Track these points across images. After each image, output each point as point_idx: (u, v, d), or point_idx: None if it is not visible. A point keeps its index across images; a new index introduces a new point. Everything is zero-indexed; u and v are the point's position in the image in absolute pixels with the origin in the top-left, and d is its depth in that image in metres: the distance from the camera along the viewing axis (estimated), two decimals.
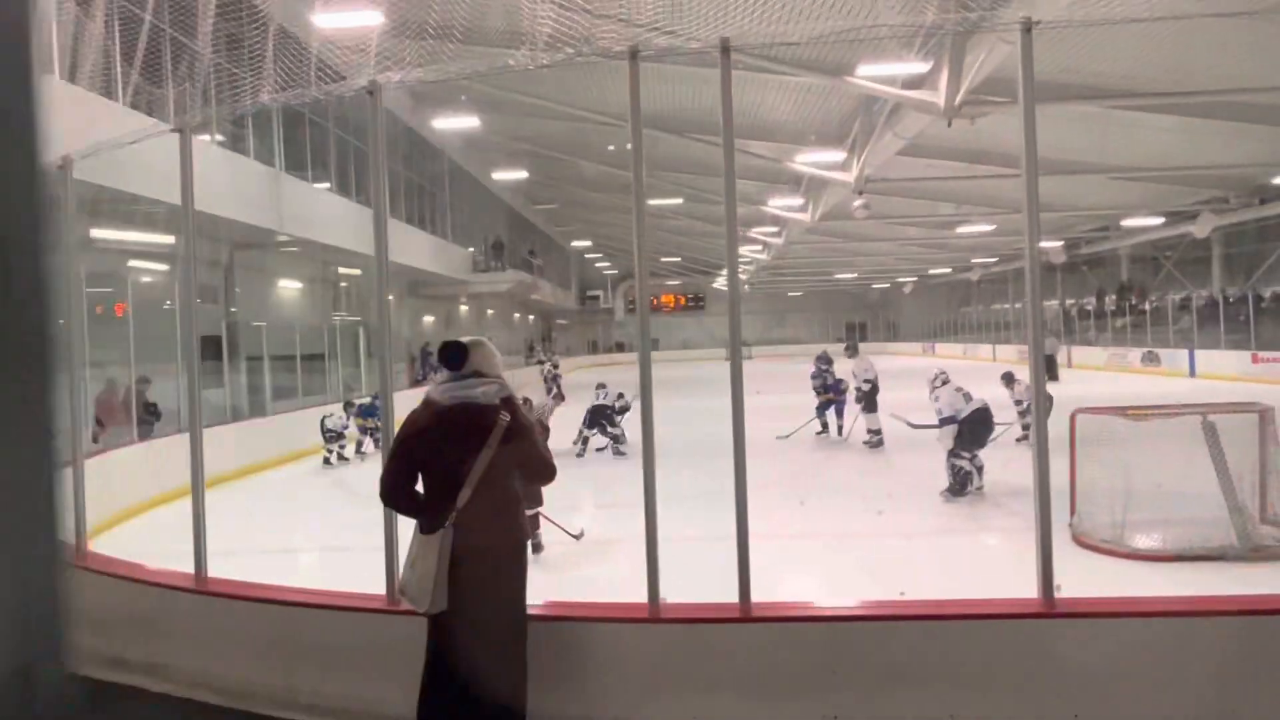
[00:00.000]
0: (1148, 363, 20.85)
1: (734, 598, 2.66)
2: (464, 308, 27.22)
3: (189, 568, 3.45)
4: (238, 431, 11.36)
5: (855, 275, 38.18)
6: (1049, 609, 2.54)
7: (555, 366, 20.26)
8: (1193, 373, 19.51)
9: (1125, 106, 12.65)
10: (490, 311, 29.82)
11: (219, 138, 12.36)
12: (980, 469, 7.30)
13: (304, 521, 8.01)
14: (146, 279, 11.76)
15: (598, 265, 41.27)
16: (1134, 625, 2.52)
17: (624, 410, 10.00)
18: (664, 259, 39.07)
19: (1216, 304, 20.44)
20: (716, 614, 2.68)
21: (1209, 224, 18.80)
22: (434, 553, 2.34)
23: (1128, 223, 21.49)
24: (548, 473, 2.53)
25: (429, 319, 24.43)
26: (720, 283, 41.92)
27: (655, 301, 46.21)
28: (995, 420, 8.03)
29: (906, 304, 43.38)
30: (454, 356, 2.50)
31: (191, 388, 3.60)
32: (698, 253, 34.39)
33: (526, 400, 2.96)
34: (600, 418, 10.14)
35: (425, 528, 2.43)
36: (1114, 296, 26.52)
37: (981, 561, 5.53)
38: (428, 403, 2.51)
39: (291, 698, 2.94)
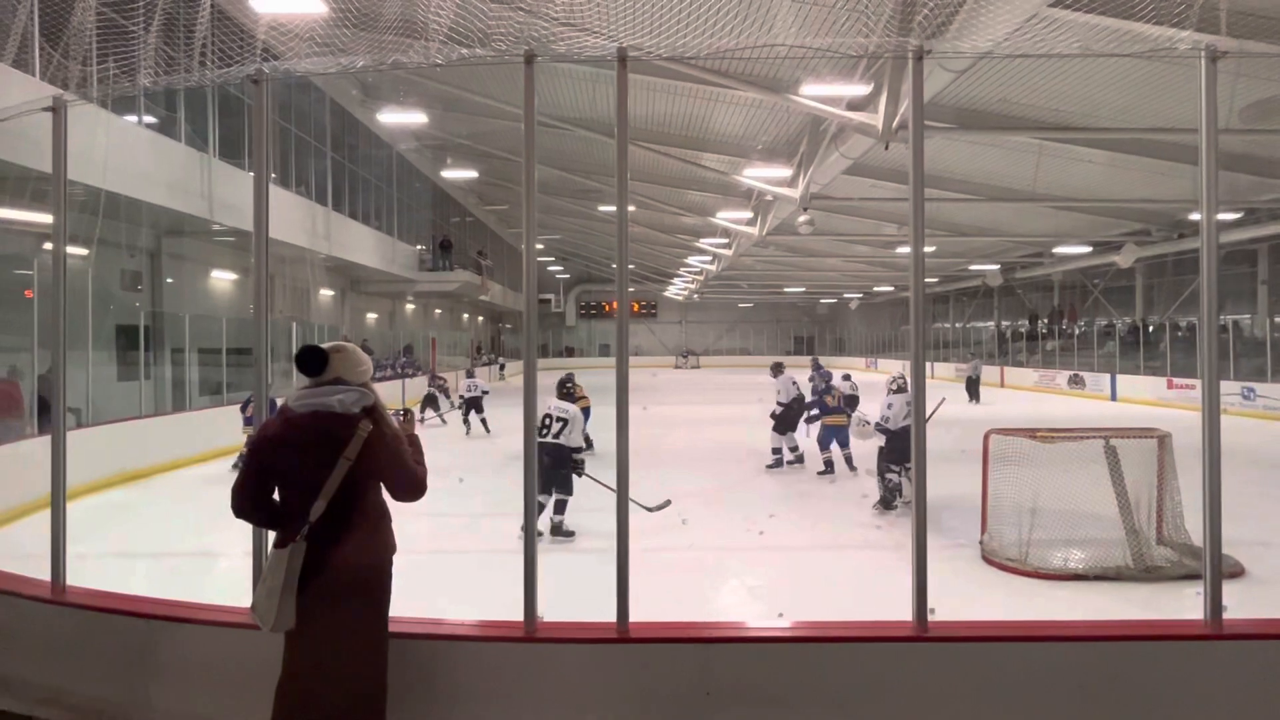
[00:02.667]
0: (1073, 385, 21.70)
1: (613, 616, 2.61)
2: (410, 306, 26.70)
3: (82, 573, 3.22)
4: (157, 426, 10.87)
5: (804, 289, 38.82)
6: (921, 633, 2.55)
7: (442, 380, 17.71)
8: (1114, 396, 20.39)
9: (1058, 139, 13.17)
10: (438, 311, 29.34)
11: (148, 119, 11.85)
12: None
13: (208, 524, 7.64)
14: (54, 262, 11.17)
15: (550, 269, 41.01)
16: (1002, 649, 2.55)
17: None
18: (615, 265, 39.00)
19: (1137, 331, 21.44)
20: (593, 634, 2.61)
21: (1132, 255, 19.71)
22: (283, 568, 2.22)
23: (1059, 250, 22.38)
24: (415, 488, 2.39)
25: (372, 316, 23.87)
26: (672, 291, 42.13)
27: (607, 307, 46.16)
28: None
29: (853, 319, 44.32)
30: (311, 362, 2.37)
31: (56, 379, 3.37)
32: (650, 260, 34.50)
33: (407, 411, 2.84)
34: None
35: (278, 541, 2.31)
36: (1045, 320, 27.58)
37: (868, 580, 5.58)
38: (282, 410, 2.38)
39: (147, 716, 2.76)
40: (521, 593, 2.66)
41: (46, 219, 9.83)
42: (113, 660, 2.96)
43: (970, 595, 4.96)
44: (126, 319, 12.06)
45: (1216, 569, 2.56)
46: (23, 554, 5.39)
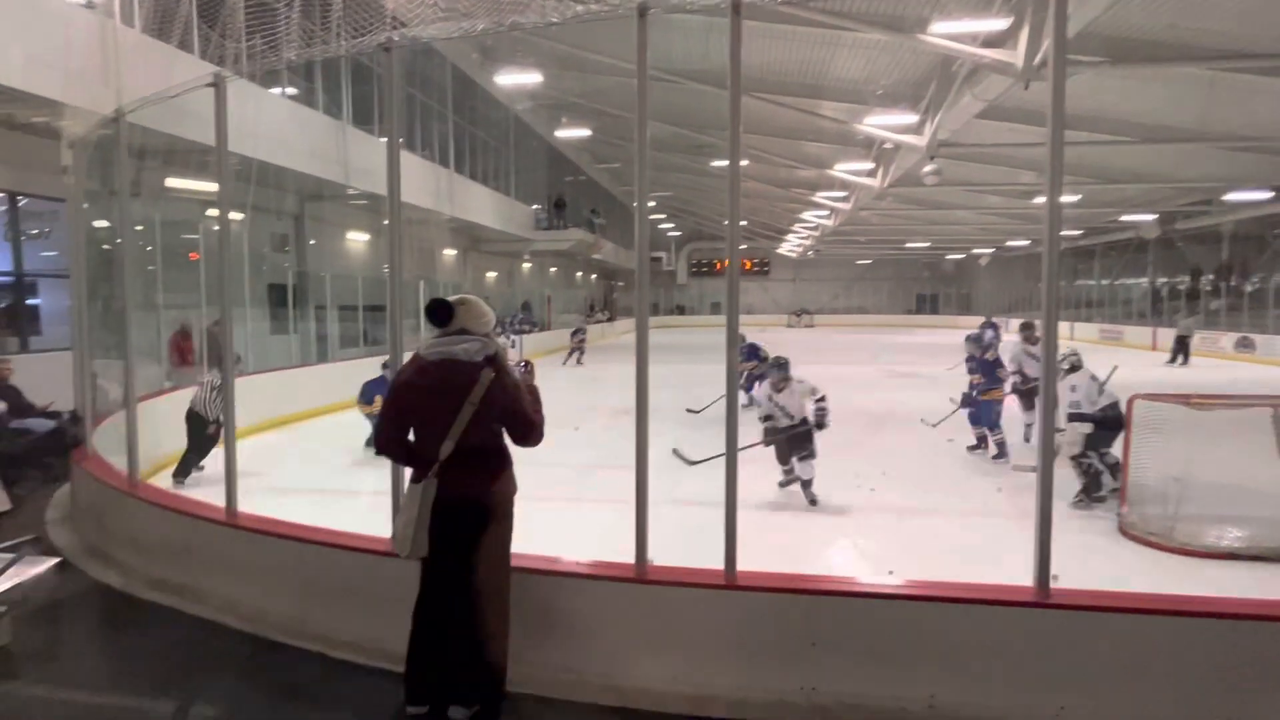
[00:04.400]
0: (1241, 349, 19.44)
1: (720, 564, 2.67)
2: (526, 265, 27.59)
3: (248, 502, 3.68)
4: (303, 375, 11.95)
5: (928, 244, 36.69)
6: (1043, 598, 2.45)
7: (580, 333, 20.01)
8: None
9: (1234, 69, 11.56)
10: (553, 270, 30.15)
11: (290, 91, 12.75)
12: (1114, 467, 6.22)
13: (350, 464, 8.35)
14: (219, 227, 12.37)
15: (661, 226, 40.94)
16: (1128, 621, 2.40)
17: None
18: (727, 222, 38.40)
19: None
20: (702, 579, 2.69)
21: None
22: (416, 502, 2.45)
23: (1231, 197, 19.83)
24: (533, 434, 2.56)
25: (492, 275, 24.87)
26: (785, 248, 41.04)
27: (719, 265, 45.67)
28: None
29: (981, 276, 41.51)
30: (439, 313, 2.55)
31: (225, 334, 3.78)
32: (763, 216, 33.67)
33: (528, 364, 2.99)
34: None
35: (414, 477, 2.54)
36: (1211, 276, 24.70)
37: (986, 546, 5.32)
38: (415, 358, 2.58)
39: (302, 628, 3.13)
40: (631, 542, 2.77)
41: (209, 187, 10.91)
42: (275, 578, 3.37)
43: (1101, 570, 4.66)
44: (276, 278, 13.23)
45: None
46: (200, 484, 6.15)
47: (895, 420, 10.71)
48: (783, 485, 6.60)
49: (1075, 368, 6.53)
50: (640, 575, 2.73)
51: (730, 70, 2.61)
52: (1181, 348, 18.64)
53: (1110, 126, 14.69)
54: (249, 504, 3.73)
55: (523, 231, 23.03)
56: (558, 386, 12.33)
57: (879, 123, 15.06)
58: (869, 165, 19.57)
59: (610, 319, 34.80)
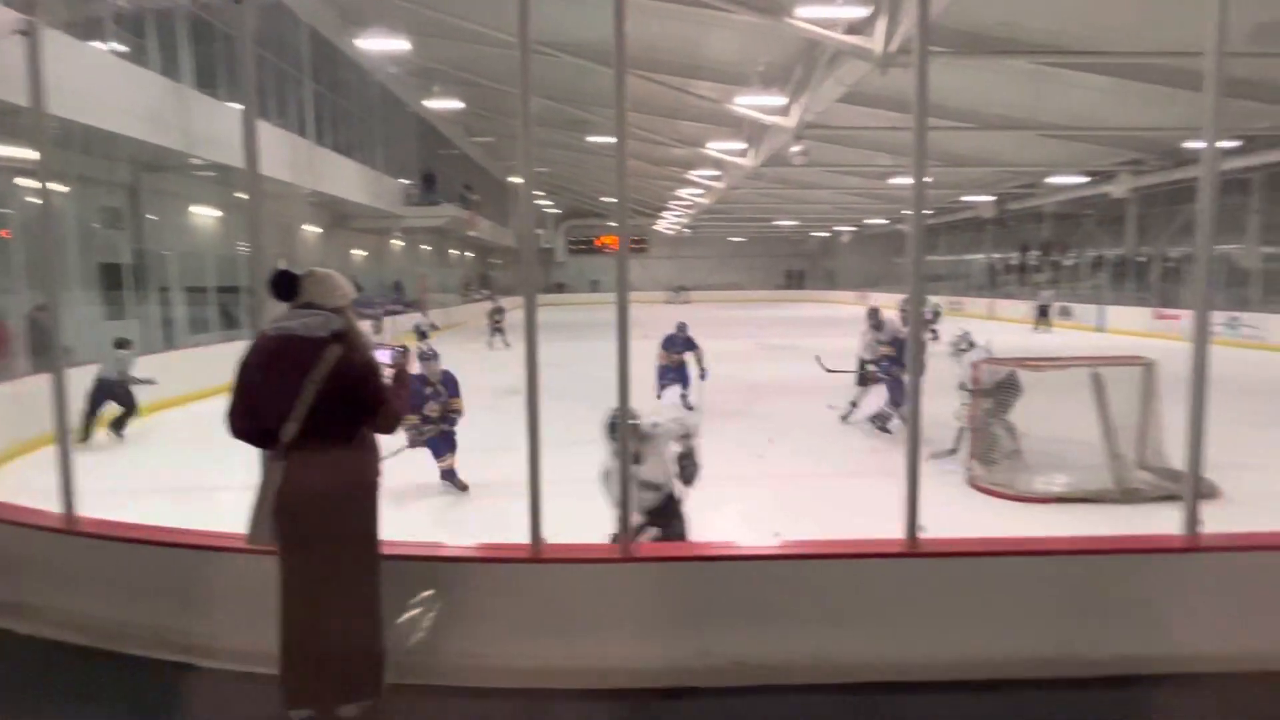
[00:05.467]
0: (1062, 317, 21.86)
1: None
2: (397, 243, 26.34)
3: (89, 506, 3.29)
4: (145, 365, 10.84)
5: (796, 223, 38.45)
6: (912, 549, 2.66)
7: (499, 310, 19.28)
8: (1102, 327, 20.59)
9: (1057, 64, 12.86)
10: (426, 248, 28.96)
11: (116, 46, 11.36)
12: (1011, 430, 6.50)
13: (202, 460, 7.72)
14: (37, 200, 10.93)
15: (539, 203, 40.32)
16: (990, 564, 2.67)
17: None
18: (605, 199, 38.48)
19: (1127, 263, 21.49)
20: (597, 555, 2.72)
21: (1126, 185, 19.56)
22: (264, 485, 2.31)
23: (1053, 180, 22.15)
24: (387, 418, 2.43)
25: (360, 253, 23.55)
26: (662, 225, 41.64)
27: (597, 242, 45.66)
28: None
29: (844, 252, 44.08)
30: (281, 287, 2.38)
31: (53, 318, 3.35)
32: (640, 194, 33.96)
33: (404, 348, 2.85)
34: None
35: (269, 459, 2.38)
36: (1036, 252, 27.55)
37: (861, 502, 5.74)
38: (257, 335, 2.42)
39: (163, 639, 2.87)
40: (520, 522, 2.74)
41: (23, 154, 9.59)
42: (128, 587, 3.06)
43: (957, 518, 5.13)
44: (109, 257, 11.87)
45: (1195, 484, 2.67)
46: (26, 489, 5.46)
47: (773, 390, 11.24)
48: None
49: (972, 345, 7.21)
50: (535, 555, 2.71)
51: (615, 40, 2.58)
52: (1043, 315, 20.99)
53: (955, 114, 15.95)
54: (90, 508, 3.35)
55: (392, 207, 21.91)
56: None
57: (750, 103, 15.51)
58: (741, 145, 20.16)
59: (489, 297, 33.84)
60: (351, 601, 2.41)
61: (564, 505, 2.84)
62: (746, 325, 24.96)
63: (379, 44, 15.68)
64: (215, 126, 12.21)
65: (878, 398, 8.29)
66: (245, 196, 2.86)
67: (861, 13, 10.11)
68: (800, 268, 47.06)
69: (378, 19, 15.10)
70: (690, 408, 9.00)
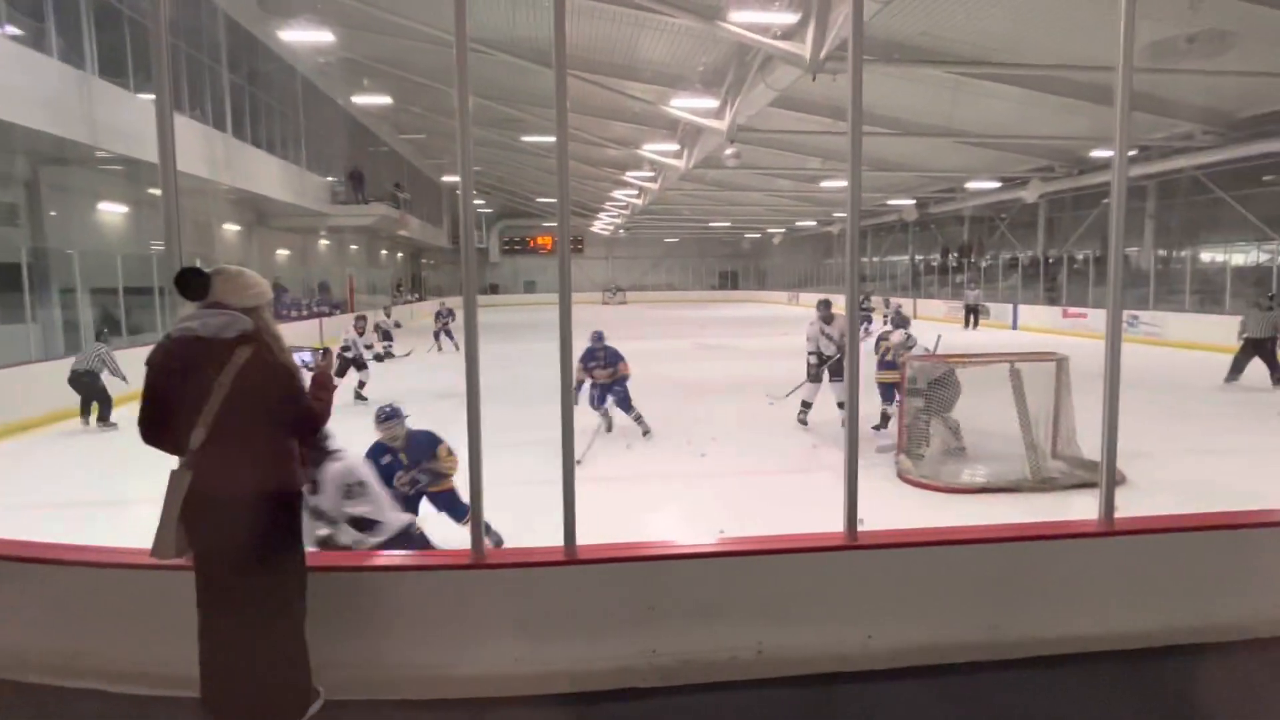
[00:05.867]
0: (982, 316, 22.93)
1: (560, 541, 2.68)
2: (323, 242, 25.44)
3: None
4: (48, 371, 10.12)
5: (729, 224, 39.05)
6: (851, 541, 2.74)
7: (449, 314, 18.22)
8: (1015, 325, 21.70)
9: (974, 75, 13.48)
10: (354, 247, 28.07)
11: (11, 30, 10.58)
12: (955, 430, 6.74)
13: (119, 471, 7.28)
14: None
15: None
16: (923, 553, 2.78)
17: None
18: (540, 199, 38.19)
19: (1038, 264, 22.74)
20: (542, 558, 2.68)
21: (1037, 190, 20.68)
22: (169, 494, 2.19)
23: (971, 185, 23.22)
24: (304, 423, 2.33)
25: (283, 253, 22.64)
26: (598, 226, 41.59)
27: (532, 242, 45.26)
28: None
29: (776, 253, 45.05)
30: (187, 285, 2.25)
31: None
32: (576, 194, 33.80)
33: (325, 350, 2.75)
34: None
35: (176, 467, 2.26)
36: (955, 254, 28.83)
37: (804, 497, 5.90)
38: (165, 337, 2.29)
39: (71, 665, 2.68)
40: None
41: None
42: (27, 612, 2.84)
43: (888, 510, 5.32)
44: (4, 257, 11.04)
45: (1111, 474, 2.84)
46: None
47: (713, 389, 11.38)
48: None
49: (913, 345, 7.42)
50: (478, 561, 2.65)
51: (555, 40, 2.56)
52: (972, 315, 22.00)
53: (878, 120, 16.53)
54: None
55: (318, 205, 21.15)
56: (375, 371, 11.58)
57: (684, 105, 15.66)
58: (675, 147, 20.34)
59: (419, 299, 33.24)
60: (270, 618, 2.30)
61: (505, 510, 2.80)
62: (683, 325, 25.21)
63: (302, 35, 15.10)
64: (123, 117, 11.51)
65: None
66: (159, 192, 2.71)
67: (792, 19, 10.35)
68: (734, 268, 47.84)
69: (301, 9, 14.55)
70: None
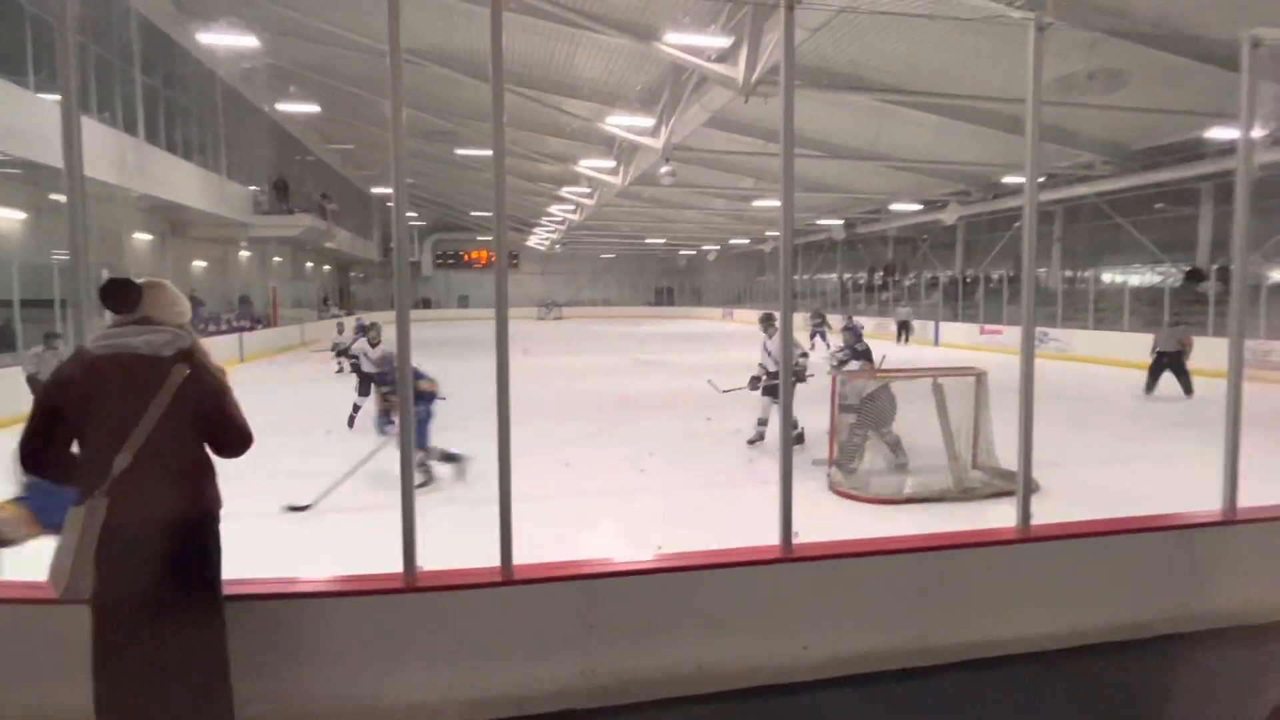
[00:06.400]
0: (901, 331, 23.86)
1: (496, 561, 2.62)
2: (244, 253, 24.39)
3: None
4: None
5: (665, 240, 39.49)
6: (787, 554, 2.78)
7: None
8: (937, 341, 22.66)
9: (896, 102, 14.12)
10: (277, 259, 27.03)
11: None
12: (895, 445, 6.87)
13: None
14: None
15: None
16: (855, 564, 2.84)
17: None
18: (475, 213, 37.74)
19: (957, 283, 23.87)
20: (477, 579, 2.62)
21: (955, 213, 21.76)
22: (79, 528, 2.01)
23: (895, 207, 24.23)
24: (242, 441, 2.22)
25: (200, 264, 21.58)
26: (534, 241, 41.36)
27: (467, 256, 44.63)
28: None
29: (710, 270, 45.78)
30: (119, 297, 2.12)
31: None
32: (512, 209, 33.56)
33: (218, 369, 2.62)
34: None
35: (77, 499, 2.08)
36: (881, 273, 29.97)
37: (740, 511, 5.96)
38: (79, 353, 2.14)
39: None
40: (387, 550, 2.59)
41: None
42: None
43: (823, 522, 5.43)
44: None
45: (1027, 485, 2.98)
46: None
47: (650, 404, 11.40)
48: None
49: (844, 362, 7.56)
50: (410, 584, 2.56)
51: (492, 54, 2.54)
52: (903, 330, 22.78)
53: (808, 143, 17.09)
54: None
55: (239, 215, 20.28)
56: (298, 390, 11.14)
57: (620, 123, 15.80)
58: (611, 164, 20.47)
59: (348, 313, 32.12)
60: (191, 651, 2.15)
61: (439, 527, 2.72)
62: (620, 341, 25.25)
63: (223, 39, 14.52)
64: (21, 118, 10.80)
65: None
66: (63, 199, 2.54)
67: (725, 43, 10.61)
68: (669, 284, 48.32)
69: (221, 12, 14.00)
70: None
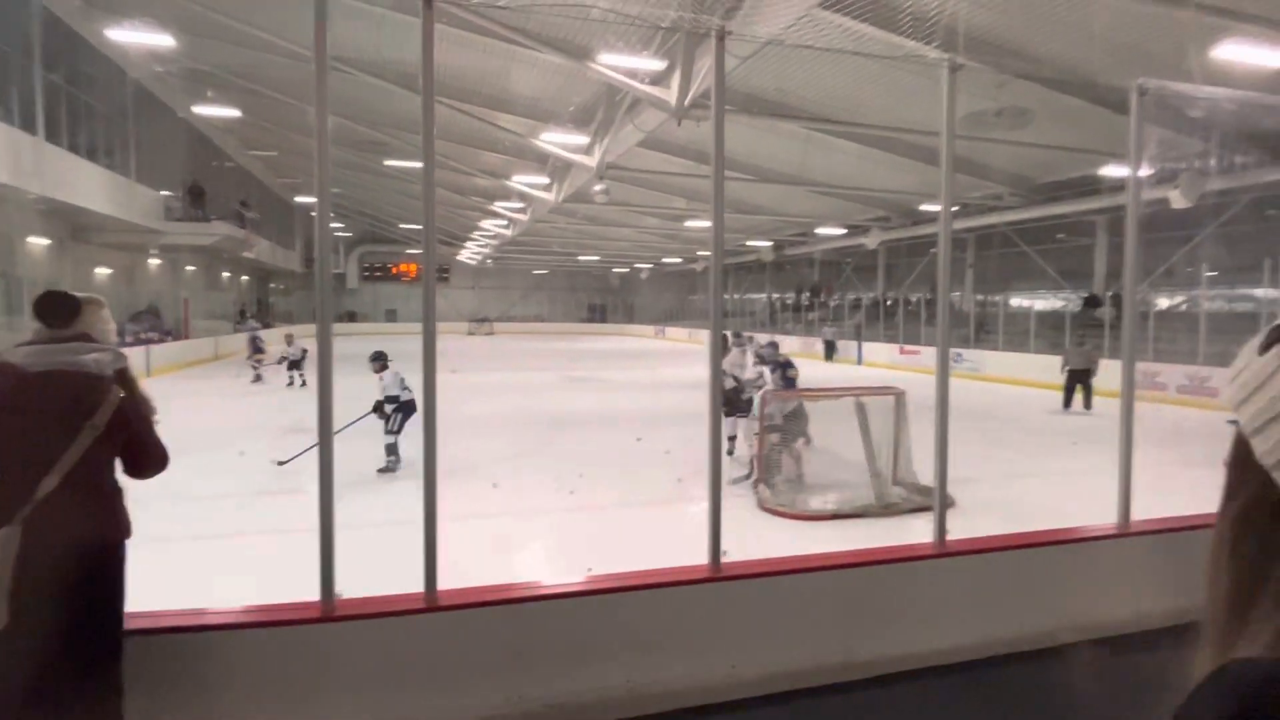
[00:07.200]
0: (829, 351, 24.62)
1: (420, 587, 2.54)
2: (154, 261, 23.07)
3: None
4: None
5: (598, 258, 39.58)
6: (715, 573, 2.80)
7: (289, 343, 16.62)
8: (860, 360, 23.46)
9: (821, 129, 14.66)
10: (190, 269, 25.68)
11: None
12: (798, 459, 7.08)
13: None
14: None
15: (330, 226, 37.50)
16: (782, 581, 2.89)
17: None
18: (404, 225, 36.94)
19: (878, 304, 24.85)
20: (400, 606, 2.52)
21: (877, 238, 22.70)
22: None
23: (820, 230, 25.07)
24: (162, 462, 2.15)
25: (104, 271, 20.28)
26: (465, 255, 40.75)
27: (395, 269, 43.59)
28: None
29: (643, 288, 46.12)
30: (58, 310, 2.01)
31: None
32: (443, 222, 33.00)
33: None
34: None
35: None
36: (807, 294, 30.91)
37: (671, 531, 5.98)
38: (3, 368, 1.98)
39: None
40: (303, 575, 2.48)
41: None
42: None
43: (751, 540, 5.50)
44: None
45: (943, 502, 3.10)
46: None
47: (580, 422, 11.33)
48: None
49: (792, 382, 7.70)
50: (328, 613, 2.45)
51: (423, 66, 2.50)
52: (829, 350, 23.56)
53: (738, 166, 17.53)
54: None
55: (148, 221, 19.20)
56: (211, 404, 10.55)
57: (554, 140, 15.80)
58: (545, 180, 20.43)
59: (266, 325, 30.76)
60: (82, 687, 2.00)
61: (359, 549, 2.61)
62: (551, 357, 25.07)
63: (136, 37, 13.79)
64: None
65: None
66: None
67: (659, 66, 10.78)
68: (602, 301, 48.39)
69: (134, 10, 13.32)
70: None
